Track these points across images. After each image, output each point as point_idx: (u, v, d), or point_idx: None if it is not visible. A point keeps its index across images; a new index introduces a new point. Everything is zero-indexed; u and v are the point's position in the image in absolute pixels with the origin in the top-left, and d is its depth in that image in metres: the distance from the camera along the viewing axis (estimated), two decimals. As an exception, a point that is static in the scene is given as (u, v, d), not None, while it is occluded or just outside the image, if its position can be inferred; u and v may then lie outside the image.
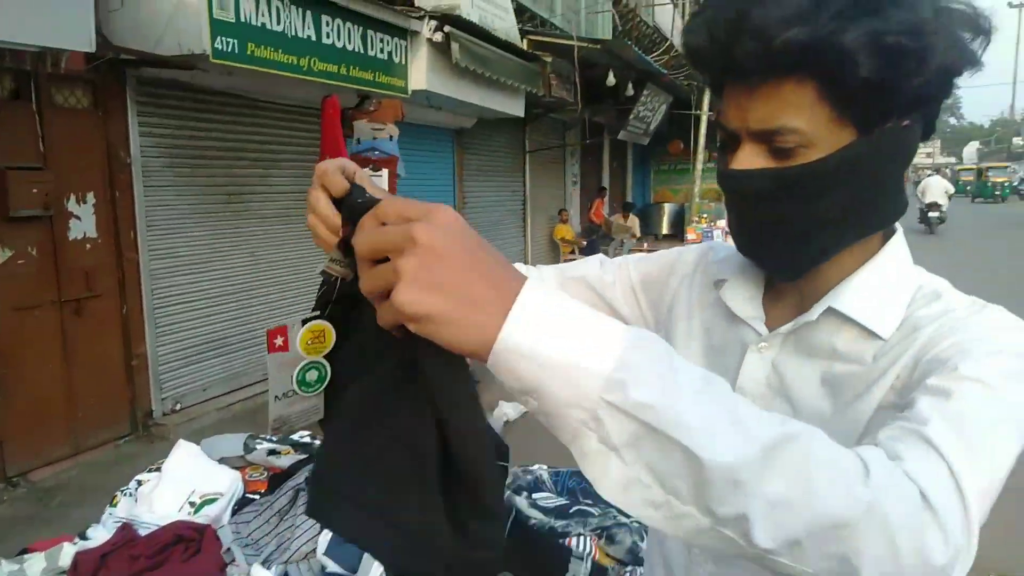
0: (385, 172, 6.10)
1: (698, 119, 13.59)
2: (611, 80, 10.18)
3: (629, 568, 1.47)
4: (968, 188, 38.56)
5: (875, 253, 0.80)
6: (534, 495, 1.65)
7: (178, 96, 5.33)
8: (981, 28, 0.71)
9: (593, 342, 0.47)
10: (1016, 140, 65.45)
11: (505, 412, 5.46)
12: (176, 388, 5.43)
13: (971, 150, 74.80)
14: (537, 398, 0.48)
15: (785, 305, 0.84)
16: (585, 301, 0.59)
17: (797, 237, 0.76)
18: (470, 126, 9.43)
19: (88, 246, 4.76)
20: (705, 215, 15.77)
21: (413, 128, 7.65)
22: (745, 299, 0.87)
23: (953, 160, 74.35)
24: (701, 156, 13.85)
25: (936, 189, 18.96)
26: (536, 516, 1.55)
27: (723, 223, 12.54)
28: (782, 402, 0.81)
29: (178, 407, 5.38)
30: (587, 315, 0.48)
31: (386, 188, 6.24)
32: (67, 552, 1.45)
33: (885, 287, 0.78)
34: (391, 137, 6.21)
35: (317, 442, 1.97)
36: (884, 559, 0.49)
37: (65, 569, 1.43)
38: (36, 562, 1.44)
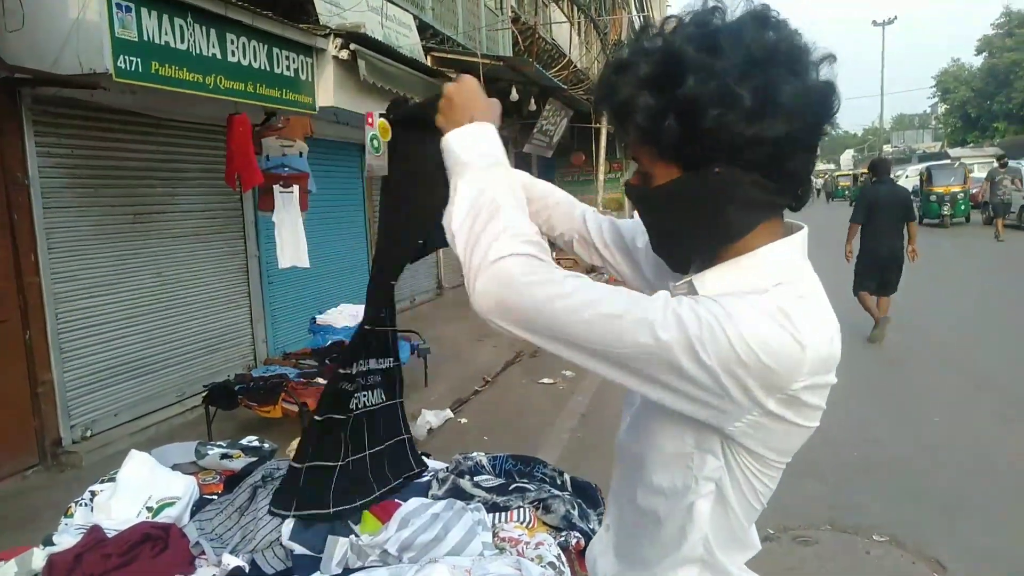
0: (296, 188, 6.14)
1: (598, 132, 14.16)
2: (514, 95, 10.51)
3: (564, 533, 1.68)
4: (846, 192, 41.42)
5: (749, 252, 0.97)
6: (475, 477, 1.83)
7: (78, 115, 5.20)
8: (789, 98, 0.87)
9: (473, 148, 1.07)
10: (886, 147, 70.93)
11: (428, 420, 5.60)
12: (86, 414, 5.26)
13: (847, 157, 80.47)
14: (448, 156, 1.09)
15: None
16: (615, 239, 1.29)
17: (662, 240, 1.03)
18: (377, 141, 9.50)
19: (-14, 271, 4.58)
20: (608, 223, 16.37)
21: (322, 143, 7.68)
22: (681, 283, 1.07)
23: (832, 167, 79.80)
24: (603, 167, 14.41)
25: None
26: (479, 494, 1.74)
27: (625, 230, 13.11)
28: None
29: (89, 434, 5.22)
30: (493, 140, 1.09)
31: (297, 204, 6.30)
32: (38, 556, 1.51)
33: (735, 272, 0.96)
34: (301, 153, 6.25)
35: (266, 446, 2.09)
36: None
37: (37, 571, 1.50)
38: (7, 569, 1.49)
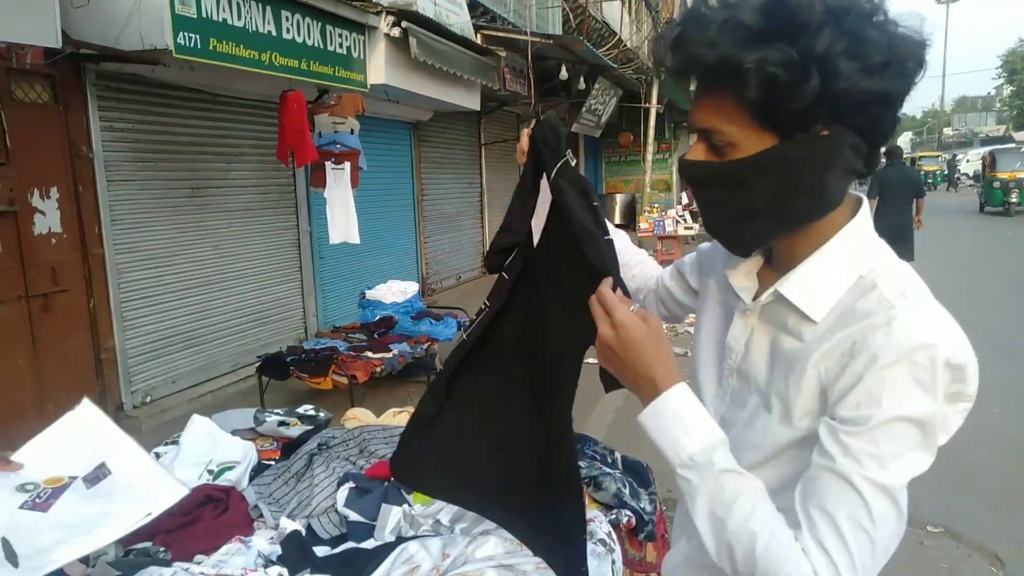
0: (347, 165, 6.20)
1: (647, 112, 13.94)
2: (563, 74, 10.40)
3: (615, 511, 1.68)
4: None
5: (832, 235, 0.91)
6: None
7: (139, 91, 5.34)
8: (901, 52, 0.81)
9: (681, 438, 0.88)
10: (946, 130, 68.25)
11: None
12: (146, 381, 5.46)
13: (905, 140, 77.73)
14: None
15: (773, 279, 0.97)
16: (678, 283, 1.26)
17: (731, 221, 0.92)
18: (427, 119, 9.54)
19: (53, 241, 4.76)
20: (656, 205, 16.18)
21: (372, 121, 7.75)
22: (743, 272, 1.01)
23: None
24: (651, 148, 14.21)
25: None
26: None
27: (673, 212, 12.93)
28: (745, 362, 0.99)
29: (148, 400, 5.42)
30: (686, 423, 0.88)
31: (348, 181, 6.36)
32: (107, 513, 1.58)
33: (826, 273, 0.90)
34: (352, 131, 6.31)
35: (321, 415, 2.13)
36: None
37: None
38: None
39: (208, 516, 1.61)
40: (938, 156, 43.24)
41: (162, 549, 1.45)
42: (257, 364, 5.33)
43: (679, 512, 1.16)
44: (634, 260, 1.38)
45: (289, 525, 1.55)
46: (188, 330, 5.86)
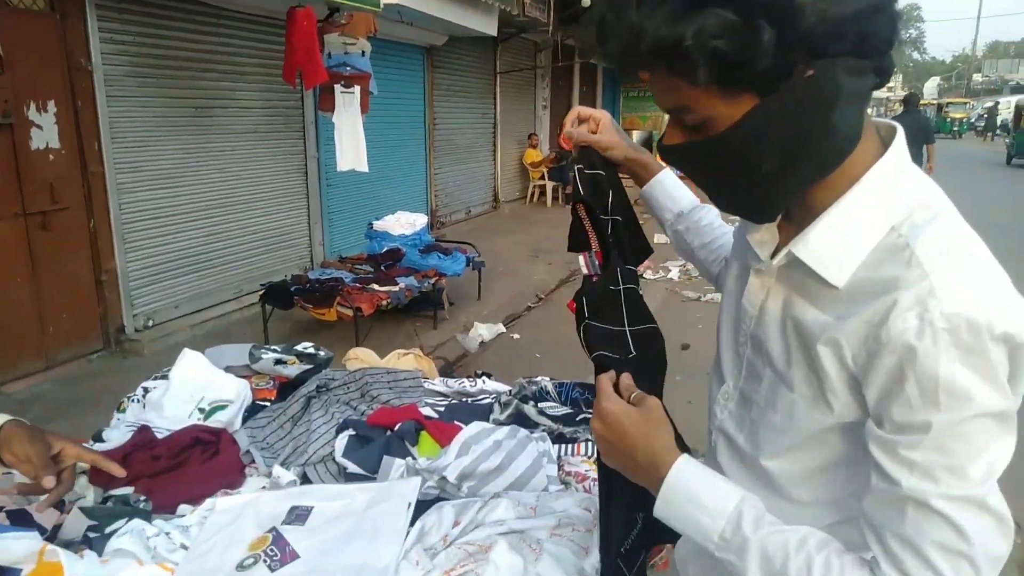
0: (357, 89, 5.94)
1: (671, 44, 13.40)
2: (586, 1, 9.93)
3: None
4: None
5: (858, 177, 0.77)
6: (540, 404, 1.72)
7: (140, 1, 5.06)
8: None
9: (703, 520, 0.79)
10: (976, 76, 66.17)
11: (480, 333, 5.55)
12: (148, 305, 5.36)
13: (932, 85, 75.53)
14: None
15: (793, 233, 0.83)
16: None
17: (740, 197, 0.80)
18: (441, 44, 9.17)
19: (51, 157, 4.58)
20: (673, 143, 15.77)
21: (383, 44, 7.41)
22: (762, 227, 0.87)
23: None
24: (672, 83, 13.72)
25: None
26: (544, 422, 1.62)
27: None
28: (759, 329, 0.86)
29: (150, 324, 5.33)
30: (701, 502, 0.80)
31: (357, 105, 6.10)
32: (87, 453, 1.47)
33: (849, 227, 0.76)
34: (363, 53, 6.01)
35: (321, 353, 2.00)
36: None
37: (85, 468, 1.45)
38: (55, 463, 1.46)
39: (196, 460, 1.49)
40: (966, 103, 42.01)
41: (143, 498, 1.33)
42: (261, 292, 5.21)
43: None
44: (719, 234, 1.21)
45: (283, 475, 1.44)
46: (191, 254, 5.73)
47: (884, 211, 0.75)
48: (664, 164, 1.09)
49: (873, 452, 0.71)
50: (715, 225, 1.20)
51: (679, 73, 0.70)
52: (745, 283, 0.89)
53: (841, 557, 0.73)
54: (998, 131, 33.54)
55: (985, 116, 37.35)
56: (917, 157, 9.45)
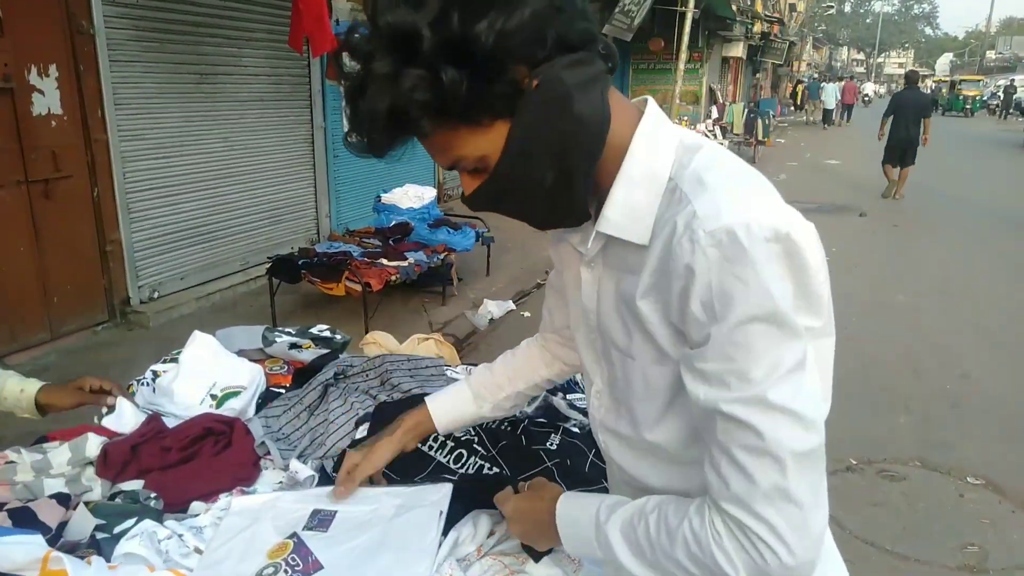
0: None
1: (683, 16, 13.11)
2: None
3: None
4: (939, 101, 38.50)
5: (626, 148, 0.82)
6: (569, 396, 1.63)
7: (144, -39, 4.90)
8: None
9: (583, 535, 0.92)
10: (989, 54, 65.21)
11: (489, 310, 5.47)
12: (153, 276, 5.27)
13: (944, 62, 74.48)
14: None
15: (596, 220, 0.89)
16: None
17: (544, 211, 0.83)
18: (451, 12, 8.96)
19: (53, 123, 4.46)
20: (685, 118, 15.54)
21: (394, 11, 7.22)
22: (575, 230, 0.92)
23: (926, 72, 74.00)
24: (684, 56, 13.46)
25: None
26: (576, 417, 1.54)
27: (702, 127, 12.38)
28: (601, 319, 0.90)
29: (156, 295, 5.25)
30: (578, 520, 0.93)
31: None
32: (92, 442, 1.39)
33: (634, 191, 0.81)
34: (373, 19, 5.85)
35: (337, 337, 1.91)
36: None
37: (91, 459, 1.38)
38: (60, 453, 1.37)
39: (208, 452, 1.41)
40: (979, 80, 41.35)
41: (153, 495, 1.25)
42: (268, 265, 5.11)
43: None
44: (506, 380, 1.27)
45: (301, 471, 1.35)
46: (197, 225, 5.63)
47: (656, 165, 0.81)
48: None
49: (682, 372, 0.77)
50: (492, 375, 1.27)
51: (415, 132, 0.75)
52: (575, 284, 0.95)
53: (668, 505, 0.82)
54: (1012, 110, 33.06)
55: (1000, 95, 36.70)
56: (915, 129, 10.67)
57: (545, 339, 1.25)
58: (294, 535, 1.14)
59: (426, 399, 1.27)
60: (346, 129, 0.79)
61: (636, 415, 0.88)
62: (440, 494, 1.21)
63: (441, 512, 1.16)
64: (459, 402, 1.26)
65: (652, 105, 0.86)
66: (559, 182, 0.78)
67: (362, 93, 0.72)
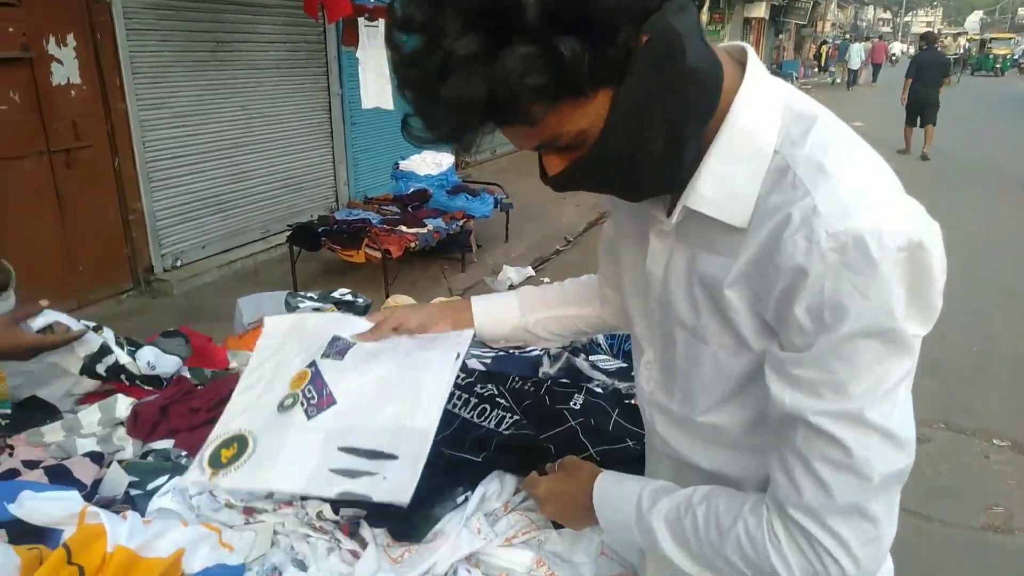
0: (382, 22, 5.73)
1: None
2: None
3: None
4: (968, 60, 37.48)
5: (726, 110, 0.71)
6: (591, 357, 1.63)
7: (157, -74, 4.86)
8: None
9: (623, 521, 0.90)
10: (1021, 11, 63.17)
11: (509, 276, 5.47)
12: (175, 244, 5.32)
13: (974, 19, 72.33)
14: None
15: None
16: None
17: (647, 178, 0.72)
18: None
19: (73, 93, 4.48)
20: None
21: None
22: None
23: (955, 30, 71.92)
24: (704, 17, 13.18)
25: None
26: (598, 377, 1.54)
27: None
28: (666, 291, 0.82)
29: (179, 263, 5.30)
30: (618, 504, 0.91)
31: (383, 40, 5.89)
32: (122, 403, 1.41)
33: (733, 170, 0.71)
34: (389, -18, 5.79)
35: (360, 301, 1.92)
36: None
37: (121, 420, 1.40)
38: (90, 413, 1.40)
39: (236, 412, 1.43)
40: (1010, 39, 40.16)
41: (184, 453, 1.28)
42: (288, 233, 5.14)
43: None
44: (555, 300, 1.20)
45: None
46: (217, 194, 5.66)
47: (761, 136, 0.71)
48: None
49: (766, 371, 0.71)
50: (544, 290, 1.20)
51: (521, 121, 0.63)
52: (646, 249, 0.84)
53: (718, 499, 0.79)
54: None
55: (1017, 55, 35.64)
56: (935, 88, 10.84)
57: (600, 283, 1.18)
58: (313, 363, 1.13)
59: (472, 299, 1.18)
60: (408, 115, 0.69)
61: (694, 396, 0.82)
62: (461, 337, 1.14)
63: (459, 354, 1.10)
64: (504, 307, 1.17)
65: (753, 56, 0.74)
66: (668, 149, 0.68)
67: (442, 78, 0.60)
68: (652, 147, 0.67)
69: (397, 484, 0.97)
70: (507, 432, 1.33)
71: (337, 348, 1.14)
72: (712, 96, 0.69)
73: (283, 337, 1.20)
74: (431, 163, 6.41)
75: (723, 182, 0.71)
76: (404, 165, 6.37)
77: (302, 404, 1.07)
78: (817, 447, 0.67)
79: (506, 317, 1.17)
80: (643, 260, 0.85)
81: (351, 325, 1.18)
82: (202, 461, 1.04)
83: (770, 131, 0.70)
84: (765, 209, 0.69)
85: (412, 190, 6.03)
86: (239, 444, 1.06)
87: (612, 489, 0.93)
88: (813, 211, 0.63)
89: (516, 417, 1.37)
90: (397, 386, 1.08)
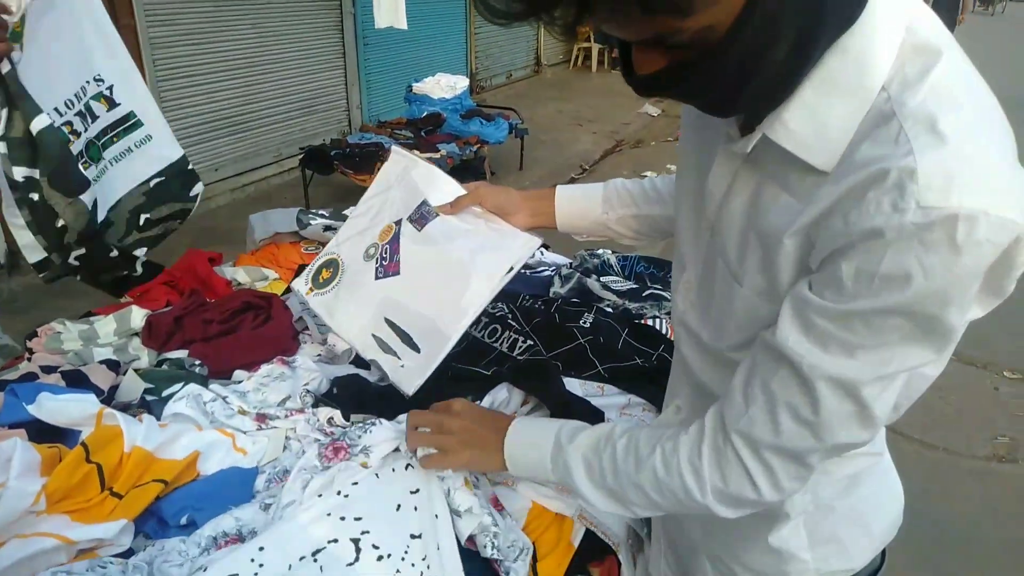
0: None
1: None
2: None
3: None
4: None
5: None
6: (603, 278, 1.63)
7: None
8: None
9: (537, 458, 0.92)
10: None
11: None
12: (188, 167, 5.30)
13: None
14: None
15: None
16: None
17: (753, 91, 0.61)
18: None
19: (80, 8, 4.38)
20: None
21: None
22: None
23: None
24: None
25: None
26: (609, 298, 1.54)
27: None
28: (721, 217, 0.76)
29: (192, 186, 5.29)
30: (534, 440, 0.93)
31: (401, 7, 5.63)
32: (137, 314, 1.43)
33: (830, 105, 0.61)
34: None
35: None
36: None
37: (136, 330, 1.42)
38: (106, 324, 1.42)
39: (247, 325, 1.44)
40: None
41: (197, 362, 1.30)
42: (300, 156, 5.10)
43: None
44: (641, 196, 1.13)
45: (339, 343, 1.38)
46: (228, 115, 5.59)
47: (873, 67, 0.60)
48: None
49: (785, 303, 0.65)
50: (629, 186, 1.14)
51: (670, 8, 0.53)
52: (711, 162, 0.76)
53: (639, 431, 0.82)
54: None
55: None
56: (953, 14, 10.01)
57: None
58: (399, 222, 1.19)
59: (557, 188, 1.15)
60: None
61: (726, 332, 0.78)
62: (525, 248, 1.12)
63: (512, 267, 1.09)
64: (587, 200, 1.13)
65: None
66: (792, 56, 0.59)
67: None
68: (775, 54, 0.58)
69: (410, 373, 1.06)
70: (521, 357, 1.34)
71: (421, 214, 1.18)
72: (838, 17, 0.59)
73: (390, 182, 1.25)
74: (445, 86, 6.28)
75: (814, 116, 0.62)
76: (418, 88, 6.25)
77: (376, 261, 1.17)
78: (789, 394, 0.66)
79: (588, 211, 1.14)
80: (705, 175, 0.77)
81: (441, 192, 1.19)
82: (308, 274, 1.19)
83: (883, 62, 0.60)
84: (856, 158, 0.60)
85: (425, 114, 5.93)
86: (334, 270, 1.20)
87: (528, 426, 0.95)
88: (911, 176, 0.54)
89: (530, 342, 1.38)
90: (447, 281, 1.11)
